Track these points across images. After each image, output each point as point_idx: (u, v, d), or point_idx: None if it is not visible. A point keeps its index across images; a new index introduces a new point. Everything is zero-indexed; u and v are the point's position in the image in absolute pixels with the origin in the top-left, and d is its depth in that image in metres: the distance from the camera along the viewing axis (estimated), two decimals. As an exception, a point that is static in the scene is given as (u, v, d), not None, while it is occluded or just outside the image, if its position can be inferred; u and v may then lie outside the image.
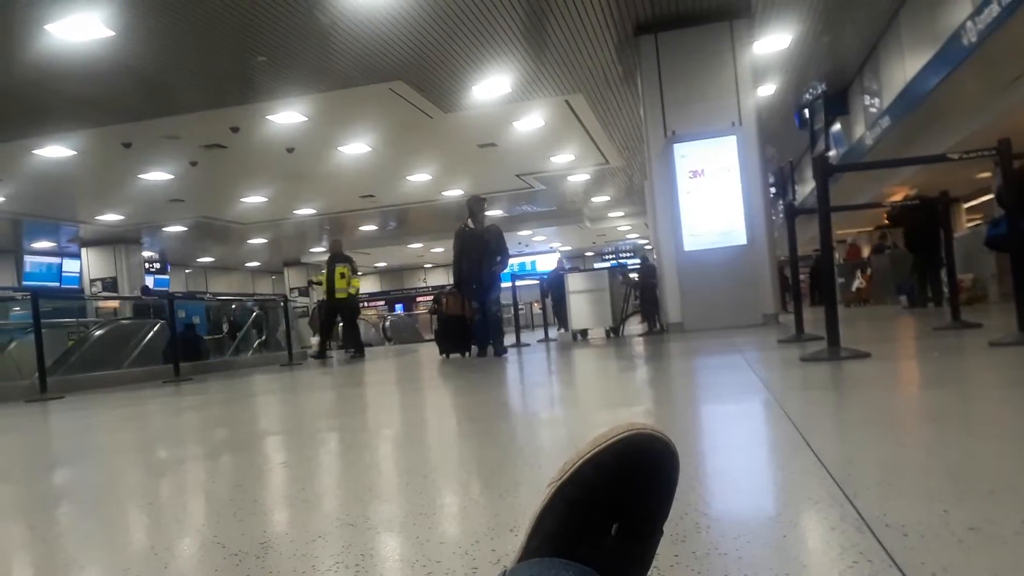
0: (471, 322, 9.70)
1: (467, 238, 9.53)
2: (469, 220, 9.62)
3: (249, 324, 14.84)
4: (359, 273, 13.41)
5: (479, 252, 9.40)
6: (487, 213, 10.17)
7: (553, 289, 16.40)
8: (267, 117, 13.49)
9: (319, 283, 13.13)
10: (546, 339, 12.58)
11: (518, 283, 13.04)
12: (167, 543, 1.73)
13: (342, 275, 12.60)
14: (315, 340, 17.52)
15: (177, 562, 1.57)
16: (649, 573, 0.87)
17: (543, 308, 15.71)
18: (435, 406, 4.50)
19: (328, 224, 26.00)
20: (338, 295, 12.60)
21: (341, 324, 13.25)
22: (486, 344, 9.56)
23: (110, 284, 24.26)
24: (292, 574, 1.37)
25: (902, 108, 12.39)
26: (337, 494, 2.17)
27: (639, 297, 13.13)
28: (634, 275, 13.69)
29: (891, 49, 13.63)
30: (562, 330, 15.51)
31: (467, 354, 9.76)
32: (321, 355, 12.97)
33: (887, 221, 14.65)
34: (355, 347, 13.07)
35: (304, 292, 10.62)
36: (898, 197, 16.41)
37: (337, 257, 12.89)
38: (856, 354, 4.40)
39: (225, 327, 14.67)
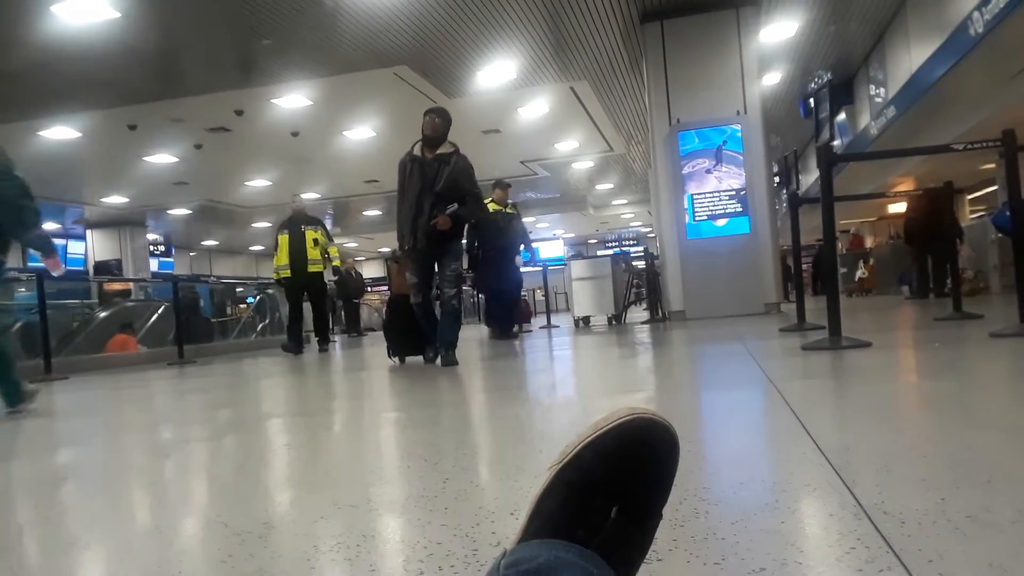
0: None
1: (409, 172, 5.87)
2: (417, 144, 5.92)
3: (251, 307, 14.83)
4: (333, 241, 10.65)
5: (422, 193, 5.73)
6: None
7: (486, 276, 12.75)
8: (272, 101, 13.46)
9: (281, 267, 9.99)
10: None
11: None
12: (171, 522, 1.75)
13: (315, 241, 9.95)
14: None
15: (181, 541, 1.58)
16: (648, 556, 0.88)
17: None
18: (431, 393, 4.51)
19: (332, 208, 25.98)
20: (311, 267, 9.90)
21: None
22: (427, 339, 6.15)
23: (115, 266, 24.27)
24: (294, 554, 1.38)
25: (907, 98, 12.33)
26: (339, 476, 2.19)
27: (638, 285, 13.02)
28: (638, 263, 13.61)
29: (898, 39, 13.55)
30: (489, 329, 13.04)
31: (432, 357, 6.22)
32: (295, 345, 9.78)
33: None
34: (322, 335, 10.44)
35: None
36: (903, 188, 16.37)
37: (302, 219, 10.19)
38: (857, 343, 4.40)
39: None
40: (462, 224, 5.92)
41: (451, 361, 5.66)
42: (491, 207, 9.38)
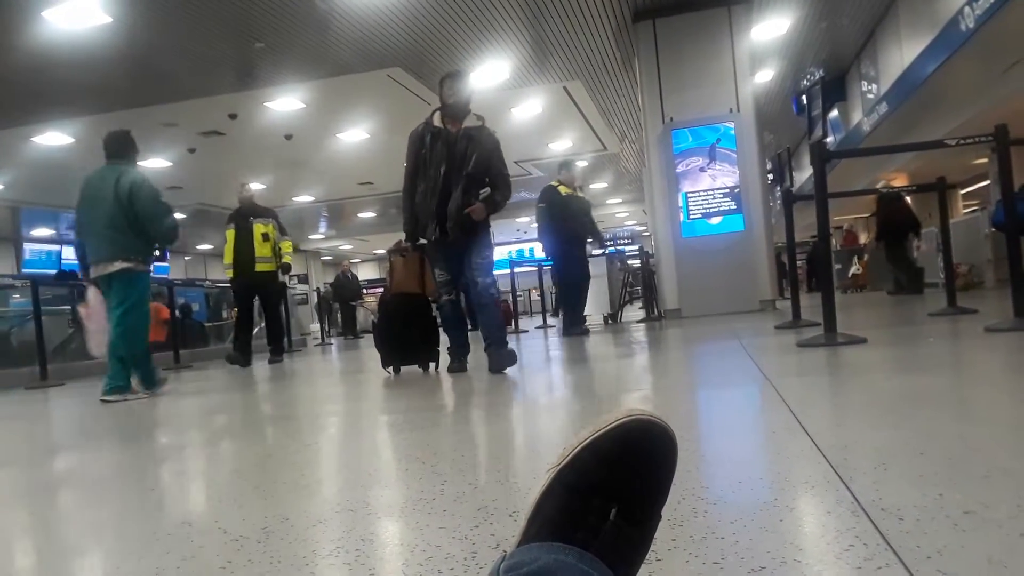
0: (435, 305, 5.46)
1: (429, 146, 4.98)
2: (435, 114, 5.07)
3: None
4: (287, 235, 9.41)
5: (449, 173, 4.91)
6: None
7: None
8: (265, 104, 13.45)
9: (227, 266, 9.02)
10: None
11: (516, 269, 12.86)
12: (169, 528, 1.74)
13: (264, 236, 8.78)
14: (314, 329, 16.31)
15: (179, 547, 1.58)
16: (647, 556, 0.88)
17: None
18: (429, 395, 4.50)
19: (327, 211, 25.95)
20: (259, 266, 8.73)
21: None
22: (462, 344, 5.25)
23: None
24: (293, 559, 1.38)
25: (900, 94, 12.36)
26: (337, 480, 2.18)
27: (632, 285, 12.99)
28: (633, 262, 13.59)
29: (889, 35, 13.59)
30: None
31: (432, 367, 5.54)
32: (242, 356, 8.55)
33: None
34: (275, 344, 9.19)
35: (303, 279, 9.17)
36: (897, 183, 16.41)
37: (250, 210, 8.97)
38: (852, 340, 4.41)
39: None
40: (493, 212, 5.07)
41: (510, 360, 4.78)
42: (563, 191, 8.95)
